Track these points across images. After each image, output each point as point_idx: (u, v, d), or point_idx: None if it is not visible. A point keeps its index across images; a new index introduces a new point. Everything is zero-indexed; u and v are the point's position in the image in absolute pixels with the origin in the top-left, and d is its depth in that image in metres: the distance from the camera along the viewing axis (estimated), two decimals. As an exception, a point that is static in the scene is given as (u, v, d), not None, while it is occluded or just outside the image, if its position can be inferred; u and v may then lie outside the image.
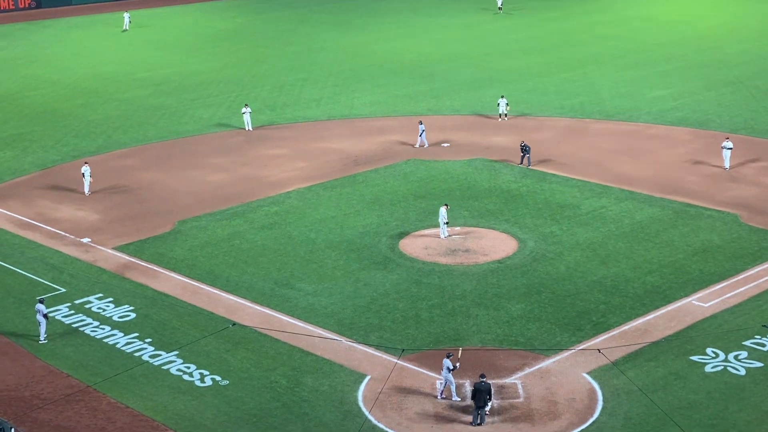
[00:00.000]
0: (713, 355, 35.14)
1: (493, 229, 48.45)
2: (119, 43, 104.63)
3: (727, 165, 56.98)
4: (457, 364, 32.90)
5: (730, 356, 35.05)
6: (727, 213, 49.76)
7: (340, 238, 47.44)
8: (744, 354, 35.21)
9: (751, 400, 32.29)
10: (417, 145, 62.78)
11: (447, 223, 47.13)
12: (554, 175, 56.74)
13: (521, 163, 58.71)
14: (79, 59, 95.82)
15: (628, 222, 48.88)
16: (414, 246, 46.38)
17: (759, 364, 34.46)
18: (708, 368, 34.28)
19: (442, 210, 47.14)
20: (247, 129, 68.60)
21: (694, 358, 35.02)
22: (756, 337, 36.42)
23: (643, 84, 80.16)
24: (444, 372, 32.78)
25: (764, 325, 37.07)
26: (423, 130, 62.73)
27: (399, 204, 52.32)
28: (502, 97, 70.86)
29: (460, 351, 33.96)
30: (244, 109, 69.27)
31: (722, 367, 34.33)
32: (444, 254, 45.32)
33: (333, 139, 65.58)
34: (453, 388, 32.75)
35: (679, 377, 33.74)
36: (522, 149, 58.80)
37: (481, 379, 31.42)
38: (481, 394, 31.05)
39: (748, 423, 30.94)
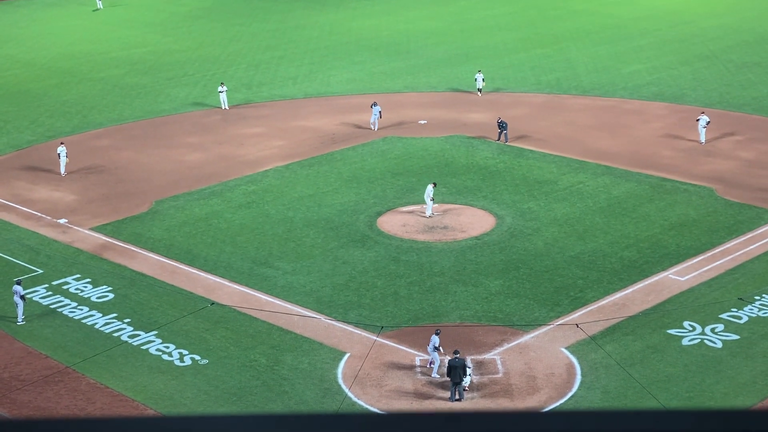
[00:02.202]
0: (690, 329, 35.42)
1: (471, 205, 48.54)
2: (93, 22, 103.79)
3: (702, 139, 57.23)
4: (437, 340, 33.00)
5: (707, 329, 35.34)
6: (702, 187, 50.04)
7: (318, 216, 47.41)
8: (720, 327, 35.50)
9: (727, 372, 32.59)
10: (373, 128, 61.47)
11: (433, 200, 46.86)
12: (531, 151, 56.86)
13: (498, 139, 58.77)
14: (52, 38, 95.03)
15: (605, 197, 49.08)
16: (392, 223, 46.42)
17: (735, 337, 34.77)
18: (685, 341, 34.56)
19: (429, 187, 46.86)
20: (223, 108, 68.32)
21: (671, 331, 35.29)
22: (732, 310, 36.71)
23: (618, 59, 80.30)
24: (430, 348, 32.84)
25: (740, 298, 37.36)
26: (378, 111, 61.29)
27: (377, 181, 52.30)
28: (479, 72, 70.88)
29: (439, 329, 34.03)
30: (220, 88, 68.96)
31: (699, 340, 34.62)
32: (422, 231, 45.39)
33: (310, 117, 65.42)
34: (436, 365, 32.87)
35: (656, 351, 34.01)
36: (499, 125, 58.86)
37: (455, 356, 31.57)
38: (456, 370, 31.21)
39: (724, 395, 31.25)
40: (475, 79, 70.58)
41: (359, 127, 62.29)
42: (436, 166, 54.51)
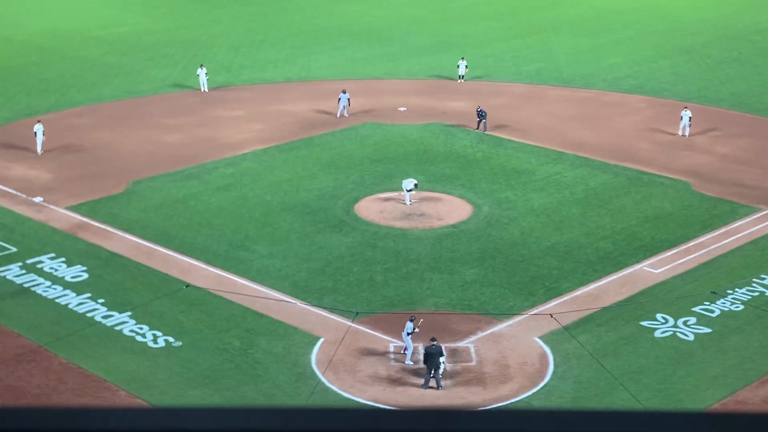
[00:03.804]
0: (663, 321, 35.65)
1: (449, 193, 48.60)
2: (73, 0, 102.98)
3: (686, 133, 57.38)
4: (417, 329, 33.02)
5: (680, 322, 35.58)
6: (679, 181, 50.29)
7: (296, 201, 47.35)
8: (693, 320, 35.75)
9: (698, 365, 32.84)
10: (338, 115, 61.04)
11: (410, 191, 46.63)
12: (510, 140, 56.97)
13: (477, 128, 58.84)
14: (31, 15, 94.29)
15: (582, 188, 49.26)
16: (369, 210, 46.43)
17: (707, 330, 35.02)
18: (657, 333, 34.78)
19: (411, 183, 46.51)
20: (203, 90, 68.04)
21: (644, 323, 35.50)
22: (705, 303, 36.97)
23: (599, 51, 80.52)
24: (404, 334, 32.90)
25: (713, 292, 37.62)
26: (347, 99, 60.87)
27: (355, 167, 52.27)
28: (462, 59, 70.92)
29: (421, 320, 34.01)
30: (199, 70, 68.66)
31: (671, 333, 34.84)
32: (399, 218, 45.42)
33: (290, 102, 65.26)
34: (409, 352, 32.94)
35: (629, 342, 34.21)
36: (478, 114, 58.92)
37: (432, 343, 31.65)
38: (432, 357, 31.29)
39: (695, 388, 31.49)
40: (458, 66, 70.60)
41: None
42: (414, 153, 54.53)
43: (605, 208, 46.62)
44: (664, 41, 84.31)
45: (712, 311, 36.43)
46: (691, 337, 34.54)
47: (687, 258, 41.20)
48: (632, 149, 55.48)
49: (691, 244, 42.65)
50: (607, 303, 37.13)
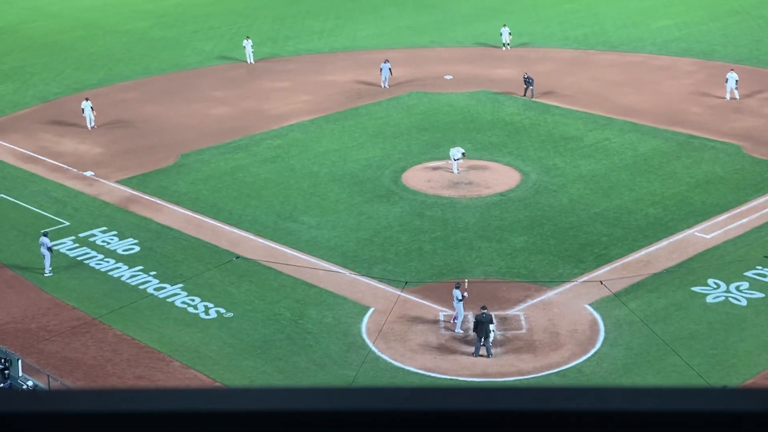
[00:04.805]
0: (714, 286, 35.33)
1: (496, 161, 48.41)
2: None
3: (736, 96, 56.57)
4: (465, 294, 32.95)
5: (732, 287, 35.24)
6: (730, 144, 49.63)
7: (343, 171, 47.43)
8: (745, 285, 35.39)
9: (751, 330, 32.55)
10: (383, 85, 60.65)
11: (458, 159, 46.54)
12: (557, 107, 56.53)
13: (524, 95, 58.44)
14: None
15: (631, 154, 48.81)
16: (417, 179, 46.39)
17: (760, 295, 34.66)
18: (709, 299, 34.49)
19: (459, 152, 46.42)
20: (248, 62, 68.20)
21: (696, 289, 35.21)
22: (757, 267, 36.57)
23: (647, 14, 79.39)
24: (455, 302, 32.91)
25: (766, 256, 37.20)
26: (389, 69, 60.51)
27: (402, 137, 52.21)
28: (504, 26, 70.31)
29: (466, 282, 34.04)
30: (245, 42, 68.80)
31: (723, 298, 34.53)
32: (447, 187, 45.34)
33: (335, 72, 65.21)
34: (459, 320, 32.96)
35: (680, 308, 33.98)
36: (525, 81, 58.49)
37: (482, 311, 31.66)
38: (483, 325, 31.31)
39: (748, 353, 31.23)
40: (501, 34, 70.03)
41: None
42: (461, 122, 54.33)
43: (655, 174, 46.16)
44: (714, 2, 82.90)
45: (765, 276, 36.03)
46: (744, 302, 34.21)
47: (739, 222, 40.72)
48: (682, 113, 54.80)
49: (743, 208, 42.13)
50: (658, 269, 36.85)
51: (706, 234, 39.78)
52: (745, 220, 40.91)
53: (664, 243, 39.15)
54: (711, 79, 60.39)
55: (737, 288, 35.19)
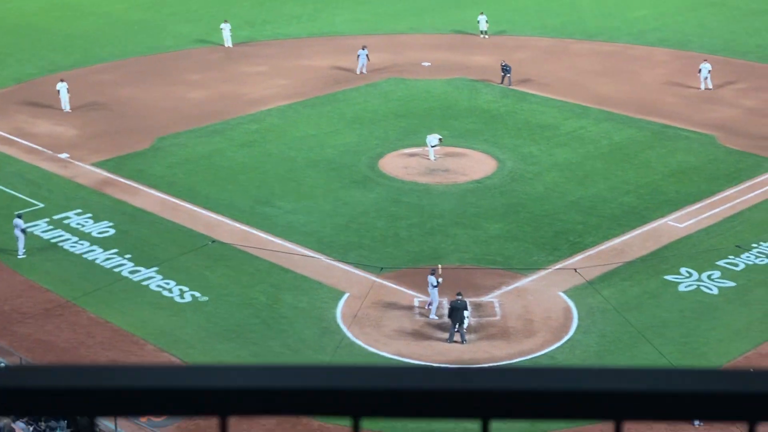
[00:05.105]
0: (687, 275, 35.65)
1: (473, 149, 48.55)
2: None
3: (708, 86, 56.96)
4: (440, 279, 33.06)
5: (704, 276, 35.57)
6: (704, 134, 49.98)
7: (320, 157, 47.43)
8: (717, 273, 35.73)
9: (722, 319, 32.89)
10: (359, 72, 60.62)
11: (435, 146, 46.65)
12: (534, 95, 56.71)
13: (502, 82, 58.57)
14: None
15: (606, 143, 49.07)
16: (394, 165, 46.47)
17: (731, 284, 35.01)
18: (681, 287, 34.80)
19: (435, 138, 46.51)
20: (226, 45, 67.96)
21: (668, 277, 35.52)
22: (729, 257, 36.92)
23: (624, 4, 79.62)
24: (430, 288, 33.03)
25: (738, 246, 37.57)
26: (366, 55, 60.47)
27: (379, 123, 52.25)
28: (482, 14, 70.33)
29: (440, 267, 34.17)
30: (223, 25, 68.53)
31: (695, 287, 34.86)
32: (423, 174, 45.45)
33: (313, 57, 65.09)
34: (434, 306, 33.09)
35: (652, 296, 34.28)
36: (503, 69, 58.62)
37: (458, 297, 31.81)
38: (457, 311, 31.45)
39: (719, 341, 31.56)
40: (478, 21, 70.07)
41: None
42: (438, 109, 54.42)
43: (630, 163, 46.45)
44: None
45: (737, 265, 36.38)
46: (715, 291, 34.55)
47: (712, 212, 41.07)
48: (657, 103, 55.11)
49: (716, 198, 42.49)
50: (631, 257, 37.14)
51: (680, 223, 40.10)
52: (717, 210, 41.25)
53: (638, 231, 39.44)
54: (686, 69, 60.70)
55: (709, 277, 35.52)
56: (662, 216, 40.74)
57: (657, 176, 44.80)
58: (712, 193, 42.96)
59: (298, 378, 1.50)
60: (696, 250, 37.63)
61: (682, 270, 36.01)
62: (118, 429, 27.26)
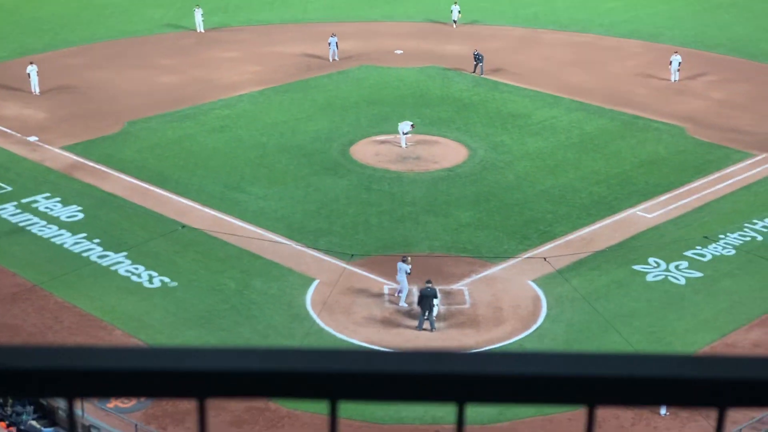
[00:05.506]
0: (655, 265, 35.90)
1: (445, 137, 48.61)
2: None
3: (675, 78, 57.36)
4: (409, 266, 33.02)
5: (671, 266, 35.83)
6: (674, 126, 50.31)
7: (291, 143, 47.34)
8: (685, 264, 36.01)
9: (690, 309, 33.16)
10: (331, 59, 60.72)
11: (407, 133, 46.71)
12: (506, 84, 56.84)
13: (474, 71, 58.65)
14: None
15: (577, 132, 49.28)
16: (365, 152, 46.45)
17: (699, 274, 35.29)
18: (649, 277, 35.05)
19: (407, 125, 46.55)
20: (198, 31, 67.61)
21: (637, 267, 35.76)
22: (697, 247, 37.20)
23: (597, -5, 79.87)
24: (400, 276, 33.01)
25: (705, 237, 37.86)
26: (335, 42, 60.59)
27: (351, 110, 52.20)
28: (455, 3, 70.39)
29: (408, 258, 34.18)
30: (195, 10, 68.16)
31: (663, 277, 35.12)
32: (395, 161, 45.47)
33: (286, 44, 64.91)
34: (404, 294, 33.11)
35: (621, 286, 34.50)
36: (475, 58, 58.71)
37: (427, 285, 31.87)
38: (427, 299, 31.52)
39: (686, 331, 31.83)
40: (451, 11, 70.12)
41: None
42: (410, 96, 54.43)
43: (600, 153, 46.69)
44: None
45: (704, 256, 36.68)
46: (683, 281, 34.83)
47: (680, 203, 41.36)
48: (628, 94, 55.40)
49: (685, 189, 42.79)
50: (600, 247, 37.35)
51: (648, 213, 40.37)
52: (686, 201, 41.55)
53: (607, 221, 39.67)
54: (657, 61, 61.04)
55: (677, 267, 35.79)
56: (631, 206, 40.98)
57: (627, 166, 45.06)
58: (681, 184, 43.25)
59: (276, 360, 1.51)
60: (664, 240, 37.89)
61: (650, 260, 36.26)
62: (85, 415, 27.16)
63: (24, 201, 40.67)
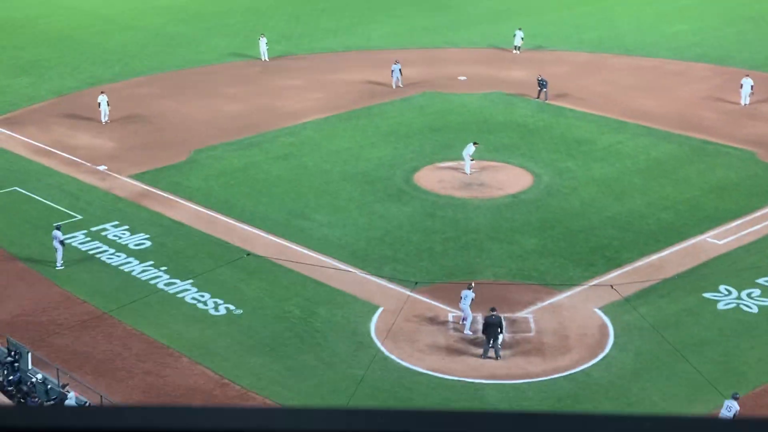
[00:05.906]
0: (726, 293, 35.21)
1: (509, 163, 48.35)
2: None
3: (746, 102, 56.44)
4: (474, 294, 32.73)
5: (743, 294, 35.11)
6: (744, 150, 49.48)
7: (355, 170, 47.44)
8: (757, 292, 35.26)
9: (763, 337, 32.42)
10: (394, 86, 60.72)
11: (473, 158, 46.64)
12: (571, 109, 56.44)
13: (538, 97, 58.36)
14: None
15: (644, 158, 48.69)
16: (429, 179, 46.36)
17: (771, 302, 34.50)
18: (720, 305, 34.37)
19: (471, 146, 46.54)
20: (263, 59, 68.28)
21: (707, 295, 35.09)
22: (769, 275, 36.41)
23: (662, 18, 79.23)
24: (464, 303, 32.66)
25: (778, 264, 37.05)
26: (399, 69, 60.66)
27: (414, 137, 52.18)
28: (519, 29, 70.18)
29: (473, 284, 33.92)
30: (260, 39, 68.87)
31: (735, 305, 34.41)
32: (459, 188, 45.31)
33: (349, 71, 65.23)
34: (468, 321, 32.87)
35: (691, 314, 33.87)
36: (539, 83, 58.42)
37: (492, 313, 31.59)
38: (492, 327, 31.24)
39: (759, 360, 31.10)
40: (514, 35, 69.90)
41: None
42: (474, 123, 54.28)
43: (668, 178, 46.04)
44: (729, 8, 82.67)
45: (777, 283, 35.87)
46: (755, 310, 34.09)
47: (752, 229, 40.59)
48: (696, 118, 54.65)
49: (756, 214, 41.99)
50: (669, 274, 36.73)
51: (719, 240, 39.66)
52: (758, 227, 40.77)
53: (676, 248, 39.03)
54: (726, 85, 60.18)
55: (749, 295, 35.06)
56: (701, 233, 40.30)
57: (696, 192, 44.37)
58: (752, 209, 42.46)
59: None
60: (735, 267, 37.16)
61: (722, 288, 35.57)
62: None
63: (93, 229, 41.25)
